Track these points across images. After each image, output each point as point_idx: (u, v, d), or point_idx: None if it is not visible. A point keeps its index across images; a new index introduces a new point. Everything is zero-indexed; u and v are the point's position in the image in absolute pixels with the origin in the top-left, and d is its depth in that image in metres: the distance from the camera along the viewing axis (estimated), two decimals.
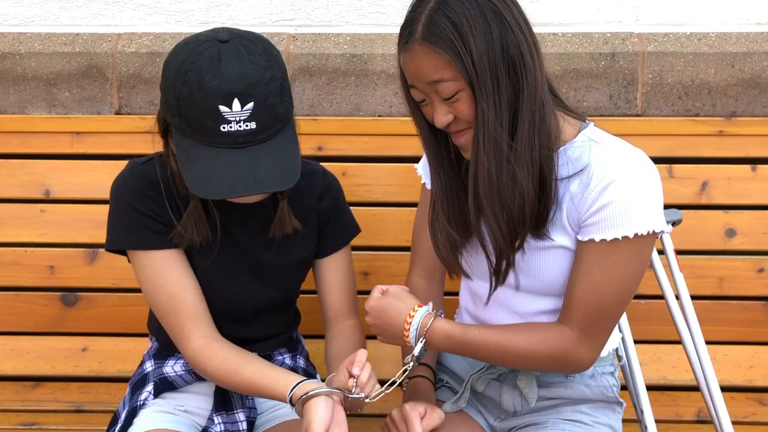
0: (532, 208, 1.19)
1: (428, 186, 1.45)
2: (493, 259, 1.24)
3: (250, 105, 1.15)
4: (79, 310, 1.87)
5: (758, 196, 1.82)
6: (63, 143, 1.90)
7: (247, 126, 1.15)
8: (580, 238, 1.22)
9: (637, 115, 1.92)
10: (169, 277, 1.27)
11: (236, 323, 1.35)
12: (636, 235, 1.17)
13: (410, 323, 1.23)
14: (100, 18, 2.02)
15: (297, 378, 1.19)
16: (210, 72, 1.15)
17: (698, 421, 1.74)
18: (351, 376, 1.18)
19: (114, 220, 1.31)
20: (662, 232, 1.22)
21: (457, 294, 1.48)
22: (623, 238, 1.17)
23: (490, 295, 1.29)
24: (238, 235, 1.34)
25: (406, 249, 1.85)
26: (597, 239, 1.19)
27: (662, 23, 1.97)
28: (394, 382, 1.25)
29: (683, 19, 1.96)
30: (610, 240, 1.18)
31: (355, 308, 1.47)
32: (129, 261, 1.34)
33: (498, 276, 1.26)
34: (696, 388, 1.62)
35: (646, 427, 1.38)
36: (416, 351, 1.23)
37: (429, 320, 1.23)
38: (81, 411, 1.78)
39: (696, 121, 1.87)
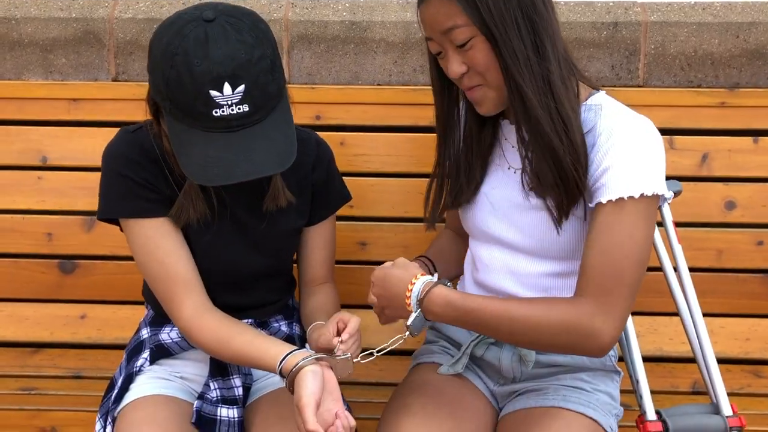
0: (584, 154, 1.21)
1: None
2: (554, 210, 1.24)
3: (241, 87, 1.13)
4: (77, 278, 1.88)
5: (759, 169, 1.81)
6: (60, 110, 1.89)
7: (239, 109, 1.13)
8: (590, 204, 1.23)
9: (639, 86, 1.90)
10: (160, 245, 1.27)
11: (232, 291, 1.35)
12: (642, 195, 1.18)
13: (411, 290, 1.22)
14: None
15: (286, 349, 1.18)
16: (197, 55, 1.12)
17: (693, 392, 1.75)
18: (338, 334, 1.20)
19: (105, 189, 1.31)
20: (665, 198, 1.23)
21: None
22: (629, 198, 1.18)
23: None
24: (232, 206, 1.34)
25: (404, 220, 1.86)
26: (604, 201, 1.19)
27: None
28: (383, 349, 1.24)
29: None
30: (616, 200, 1.18)
31: (332, 275, 1.50)
32: (121, 230, 1.34)
33: (561, 215, 1.24)
34: (692, 360, 1.62)
35: (641, 396, 1.38)
36: (411, 319, 1.22)
37: (429, 287, 1.22)
38: (79, 377, 1.79)
39: (698, 92, 1.85)
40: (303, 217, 1.42)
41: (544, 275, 1.31)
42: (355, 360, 1.22)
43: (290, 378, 1.15)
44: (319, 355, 1.18)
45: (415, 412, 1.28)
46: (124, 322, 1.85)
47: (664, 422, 1.34)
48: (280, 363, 1.17)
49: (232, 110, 1.13)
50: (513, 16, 1.18)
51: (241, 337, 1.23)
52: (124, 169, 1.27)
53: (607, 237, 1.19)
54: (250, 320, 1.38)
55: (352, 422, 1.14)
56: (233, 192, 1.32)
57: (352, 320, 1.22)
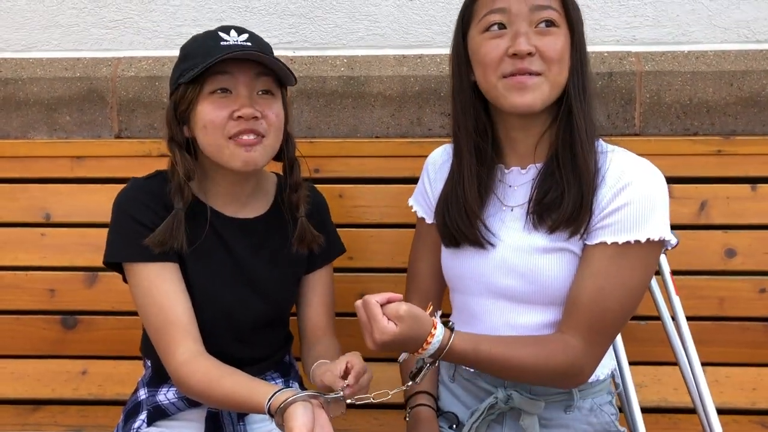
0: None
1: (425, 219, 1.45)
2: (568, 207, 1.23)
3: (246, 35, 1.32)
4: (79, 333, 1.88)
5: (758, 216, 1.81)
6: (63, 167, 1.92)
7: (243, 42, 1.30)
8: (588, 242, 1.22)
9: (636, 135, 1.92)
10: (162, 289, 1.29)
11: (230, 341, 1.35)
12: (648, 240, 1.18)
13: (430, 344, 1.15)
14: (100, 43, 2.04)
15: (275, 388, 1.18)
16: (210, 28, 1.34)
17: None
18: (345, 376, 1.17)
19: (113, 233, 1.34)
20: (670, 243, 1.23)
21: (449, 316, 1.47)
22: (635, 242, 1.17)
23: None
24: (234, 248, 1.36)
25: (403, 270, 1.84)
26: (609, 242, 1.19)
27: (660, 42, 1.96)
28: (380, 396, 1.21)
29: (681, 38, 1.96)
30: (622, 243, 1.18)
31: (333, 327, 1.49)
32: (124, 279, 1.35)
33: (580, 229, 1.22)
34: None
35: None
36: (423, 372, 1.18)
37: (447, 341, 1.16)
38: None
39: (694, 141, 1.85)
40: (303, 263, 1.44)
41: (544, 326, 1.27)
42: (348, 401, 1.18)
43: (279, 413, 1.14)
44: (310, 393, 1.16)
45: None
46: (125, 377, 1.85)
47: None
48: (269, 399, 1.16)
49: (237, 41, 1.30)
50: (581, 32, 1.26)
51: (231, 378, 1.23)
52: (134, 212, 1.31)
53: (603, 279, 1.19)
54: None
55: None
56: (236, 232, 1.35)
57: (360, 363, 1.19)
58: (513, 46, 1.20)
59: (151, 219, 1.30)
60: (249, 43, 1.30)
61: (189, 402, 1.36)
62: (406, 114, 1.94)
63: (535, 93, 1.22)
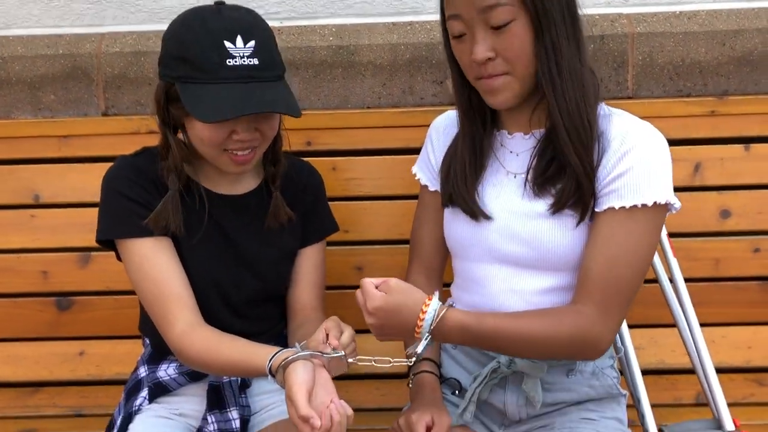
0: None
1: (428, 186, 1.45)
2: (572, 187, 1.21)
3: (252, 43, 1.22)
4: (74, 314, 1.87)
5: (752, 176, 1.81)
6: (50, 147, 1.89)
7: (250, 62, 1.21)
8: (597, 209, 1.21)
9: (629, 98, 1.90)
10: (155, 263, 1.28)
11: (227, 316, 1.34)
12: (655, 203, 1.18)
13: (423, 318, 1.15)
14: (82, 18, 2.00)
15: (275, 349, 1.18)
16: (212, 18, 1.23)
17: (697, 404, 1.74)
18: (327, 339, 1.16)
19: (104, 211, 1.33)
20: (675, 207, 1.22)
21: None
22: (642, 206, 1.17)
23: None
24: (227, 226, 1.35)
25: (399, 242, 1.85)
26: (616, 206, 1.18)
27: (651, 3, 1.94)
28: (382, 362, 1.20)
29: None
30: (629, 207, 1.17)
31: (323, 306, 1.48)
32: (117, 257, 1.34)
33: (586, 211, 1.21)
34: (694, 371, 1.61)
35: (643, 416, 1.37)
36: (421, 346, 1.17)
37: (442, 312, 1.17)
38: (80, 415, 1.78)
39: (688, 102, 1.84)
40: (296, 239, 1.43)
41: (548, 291, 1.27)
42: (350, 360, 1.17)
43: (280, 371, 1.14)
44: (311, 352, 1.15)
45: None
46: (124, 357, 1.84)
47: None
48: (270, 360, 1.16)
49: (244, 62, 1.21)
50: (560, 6, 1.18)
51: (231, 344, 1.23)
52: (123, 189, 1.30)
53: (613, 246, 1.18)
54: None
55: (349, 411, 1.11)
56: (228, 210, 1.34)
57: (335, 326, 1.19)
58: (472, 53, 1.20)
59: (140, 195, 1.29)
60: (256, 60, 1.21)
61: (190, 377, 1.36)
62: (398, 83, 1.91)
63: (506, 93, 1.22)
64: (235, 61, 1.20)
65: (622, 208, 1.18)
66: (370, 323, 1.18)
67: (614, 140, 1.21)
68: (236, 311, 1.36)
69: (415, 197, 1.82)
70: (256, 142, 1.28)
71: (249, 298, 1.37)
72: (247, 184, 1.40)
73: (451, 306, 1.20)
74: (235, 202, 1.36)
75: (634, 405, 1.42)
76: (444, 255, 1.46)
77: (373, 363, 1.20)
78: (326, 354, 1.16)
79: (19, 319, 1.87)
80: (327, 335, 1.18)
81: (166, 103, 1.27)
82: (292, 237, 1.43)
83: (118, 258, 1.34)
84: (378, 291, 1.17)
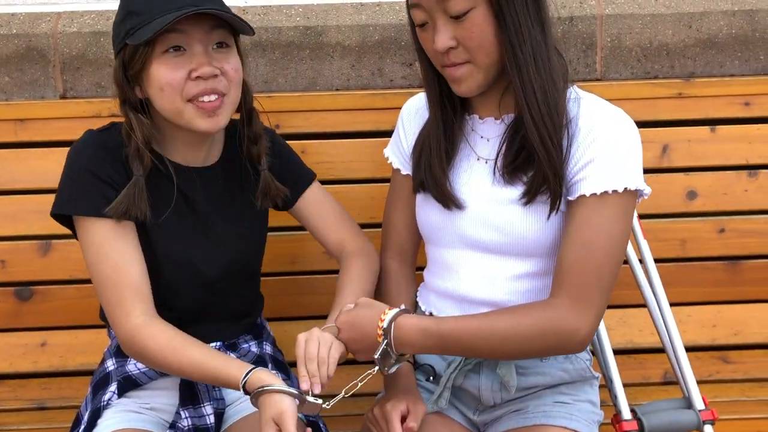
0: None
1: (401, 170, 1.43)
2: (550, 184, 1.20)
3: None
4: (35, 304, 1.81)
5: (718, 158, 1.83)
6: (6, 131, 1.81)
7: None
8: (569, 197, 1.20)
9: (597, 80, 1.91)
10: (116, 246, 1.23)
11: (201, 297, 1.31)
12: (625, 189, 1.17)
13: (382, 327, 1.18)
14: None
15: (248, 366, 1.18)
16: None
17: (665, 383, 1.77)
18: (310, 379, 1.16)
19: (64, 184, 1.27)
20: (644, 193, 1.22)
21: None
22: (613, 192, 1.17)
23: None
24: (196, 199, 1.32)
25: (371, 226, 1.82)
26: (587, 194, 1.17)
27: None
28: (351, 389, 1.22)
29: None
30: (600, 194, 1.17)
31: (360, 231, 1.48)
32: (73, 233, 1.29)
33: (556, 200, 1.20)
34: (662, 350, 1.64)
35: (615, 396, 1.39)
36: (378, 350, 1.18)
37: (398, 317, 1.18)
38: (44, 408, 1.74)
39: (655, 84, 1.86)
40: (265, 215, 1.42)
41: (520, 277, 1.27)
42: (325, 405, 1.18)
43: (255, 396, 1.15)
44: (290, 390, 1.15)
45: None
46: (87, 347, 1.79)
47: (639, 420, 1.35)
48: (245, 377, 1.16)
49: None
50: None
51: (199, 348, 1.21)
52: (90, 164, 1.25)
53: (586, 232, 1.17)
54: (218, 342, 1.35)
55: None
56: (196, 184, 1.31)
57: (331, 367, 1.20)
58: (433, 42, 1.18)
59: (108, 173, 1.24)
60: None
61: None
62: (367, 65, 1.88)
63: (469, 82, 1.21)
64: None
65: (593, 194, 1.17)
66: (341, 339, 1.23)
67: (583, 126, 1.20)
68: (211, 289, 1.32)
69: (386, 180, 1.80)
70: (220, 85, 1.24)
71: (222, 275, 1.33)
72: (212, 156, 1.36)
73: (409, 313, 1.22)
74: (203, 174, 1.33)
75: (606, 386, 1.43)
76: (417, 239, 1.44)
77: (344, 396, 1.22)
78: (304, 396, 1.15)
79: None
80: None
81: (124, 74, 1.23)
82: (261, 210, 1.40)
83: (75, 236, 1.29)
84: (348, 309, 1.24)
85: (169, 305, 1.28)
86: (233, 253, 1.35)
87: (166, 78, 1.20)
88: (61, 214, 1.28)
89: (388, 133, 1.81)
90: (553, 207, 1.21)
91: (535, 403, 1.30)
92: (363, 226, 1.81)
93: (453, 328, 1.18)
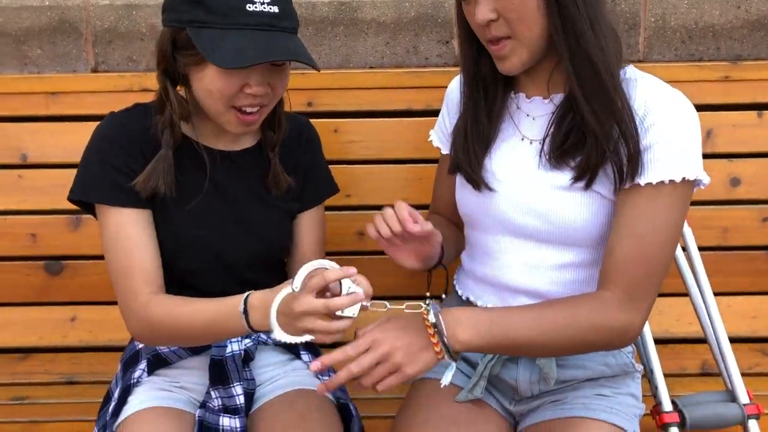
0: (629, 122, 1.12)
1: (441, 149, 1.39)
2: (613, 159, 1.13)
3: None
4: (65, 279, 1.80)
5: (764, 144, 1.77)
6: (37, 104, 1.80)
7: (271, 9, 1.16)
8: (623, 185, 1.13)
9: (639, 61, 1.85)
10: (131, 234, 1.22)
11: (226, 281, 1.28)
12: (683, 179, 1.10)
13: (427, 318, 1.08)
14: None
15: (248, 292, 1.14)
16: None
17: (703, 374, 1.72)
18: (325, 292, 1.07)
19: (83, 169, 1.25)
20: (703, 183, 1.15)
21: None
22: (670, 182, 1.10)
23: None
24: (225, 184, 1.29)
25: None
26: (642, 183, 1.11)
27: None
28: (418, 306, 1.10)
29: None
30: (656, 184, 1.10)
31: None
32: (94, 216, 1.27)
33: (623, 175, 1.12)
34: (700, 340, 1.59)
35: (656, 387, 1.35)
36: (448, 376, 1.10)
37: (452, 321, 1.08)
38: (73, 383, 1.73)
39: (700, 66, 1.79)
40: (297, 200, 1.38)
41: (565, 267, 1.21)
42: (366, 304, 1.06)
43: (260, 306, 1.09)
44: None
45: None
46: (117, 323, 1.72)
47: (680, 413, 1.31)
48: (245, 298, 1.11)
49: (265, 8, 1.15)
50: None
51: (198, 302, 1.18)
52: (105, 154, 1.23)
53: (640, 223, 1.11)
54: None
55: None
56: (227, 169, 1.28)
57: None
58: (474, 14, 1.13)
59: (125, 162, 1.22)
60: (275, 8, 1.15)
61: (191, 349, 1.31)
62: (402, 42, 1.84)
63: (513, 59, 1.15)
64: (256, 7, 1.14)
65: (648, 184, 1.11)
66: (395, 362, 1.06)
67: (639, 110, 1.13)
68: (235, 276, 1.29)
69: (421, 161, 1.79)
70: (267, 99, 1.21)
71: (249, 261, 1.31)
72: (245, 141, 1.33)
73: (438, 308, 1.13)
74: (233, 159, 1.30)
75: (647, 376, 1.39)
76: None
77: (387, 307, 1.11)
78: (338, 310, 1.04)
79: (7, 283, 1.80)
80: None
81: (173, 52, 1.20)
82: (292, 198, 1.36)
83: (93, 213, 1.28)
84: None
85: (194, 291, 1.25)
86: (262, 241, 1.32)
87: (218, 85, 1.17)
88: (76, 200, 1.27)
89: (422, 113, 1.78)
90: (606, 193, 1.15)
91: (573, 394, 1.25)
92: None
93: (502, 312, 1.13)
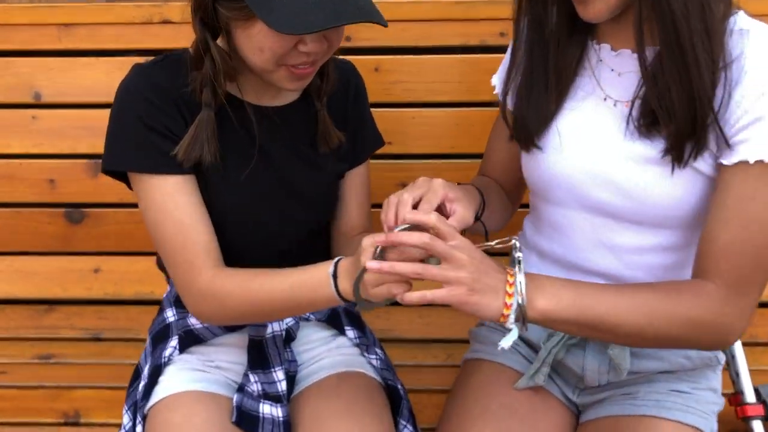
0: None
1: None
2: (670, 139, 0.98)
3: None
4: (87, 228, 1.70)
5: None
6: (49, 37, 1.64)
7: None
8: (725, 161, 0.96)
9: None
10: (180, 204, 1.08)
11: (271, 255, 1.15)
12: None
13: (513, 273, 0.94)
14: None
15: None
16: None
17: None
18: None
19: (115, 135, 1.09)
20: None
21: None
22: None
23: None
24: (271, 148, 1.14)
25: (452, 156, 1.64)
26: (751, 160, 0.94)
27: None
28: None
29: None
30: None
31: (371, 226, 1.28)
32: (128, 186, 1.14)
33: (681, 155, 0.98)
34: None
35: (737, 374, 1.22)
36: (510, 338, 0.94)
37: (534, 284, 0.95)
38: (99, 339, 1.66)
39: None
40: (346, 159, 1.23)
41: (649, 250, 1.07)
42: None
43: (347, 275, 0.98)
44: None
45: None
46: (143, 275, 1.68)
47: (764, 403, 1.18)
48: (336, 263, 1.01)
49: None
50: None
51: (278, 272, 1.06)
52: (140, 114, 1.06)
53: (749, 208, 0.95)
54: None
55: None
56: (271, 130, 1.13)
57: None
58: None
59: (163, 122, 1.06)
60: None
61: (226, 326, 1.19)
62: None
63: (597, 4, 0.97)
64: None
65: (759, 162, 0.94)
66: (460, 277, 0.92)
67: (751, 70, 0.94)
68: (281, 251, 1.16)
69: (472, 104, 1.62)
70: (322, 55, 1.05)
71: (296, 235, 1.18)
72: (288, 95, 1.17)
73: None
74: (277, 116, 1.14)
75: (727, 361, 1.25)
76: (518, 179, 1.23)
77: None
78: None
79: (26, 231, 1.70)
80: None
81: (213, 1, 1.02)
82: (340, 157, 1.22)
83: (129, 187, 1.14)
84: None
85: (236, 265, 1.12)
86: (312, 211, 1.20)
87: (270, 43, 0.99)
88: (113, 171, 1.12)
89: (476, 49, 1.60)
90: (703, 168, 0.99)
91: (646, 389, 1.12)
92: (442, 156, 1.65)
93: (590, 289, 0.98)
